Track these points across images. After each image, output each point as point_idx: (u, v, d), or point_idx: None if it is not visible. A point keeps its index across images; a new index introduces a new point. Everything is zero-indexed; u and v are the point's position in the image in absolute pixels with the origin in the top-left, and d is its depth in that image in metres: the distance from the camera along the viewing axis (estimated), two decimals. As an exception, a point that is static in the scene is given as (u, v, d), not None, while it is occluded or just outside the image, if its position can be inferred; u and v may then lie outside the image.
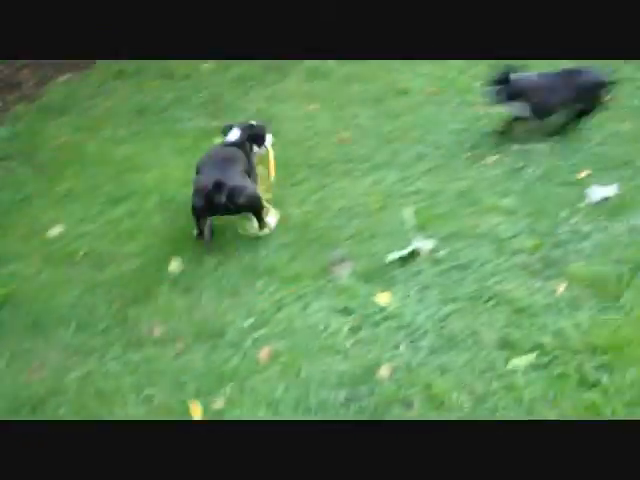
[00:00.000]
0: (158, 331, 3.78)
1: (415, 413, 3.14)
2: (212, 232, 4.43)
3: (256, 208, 4.36)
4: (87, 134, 5.81)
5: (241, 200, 4.22)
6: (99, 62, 7.05)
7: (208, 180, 4.18)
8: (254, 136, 4.71)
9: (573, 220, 4.39)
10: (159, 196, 4.90)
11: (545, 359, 3.34)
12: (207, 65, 6.92)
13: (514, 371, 3.29)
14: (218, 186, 4.11)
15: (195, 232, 4.43)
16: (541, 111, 5.31)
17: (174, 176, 5.07)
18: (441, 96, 6.10)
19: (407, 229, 4.36)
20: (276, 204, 4.64)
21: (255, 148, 4.72)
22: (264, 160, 4.74)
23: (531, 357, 3.36)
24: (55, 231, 4.70)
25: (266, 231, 4.43)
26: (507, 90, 5.24)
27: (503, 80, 5.22)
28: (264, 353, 3.56)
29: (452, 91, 6.16)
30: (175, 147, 5.49)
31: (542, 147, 5.18)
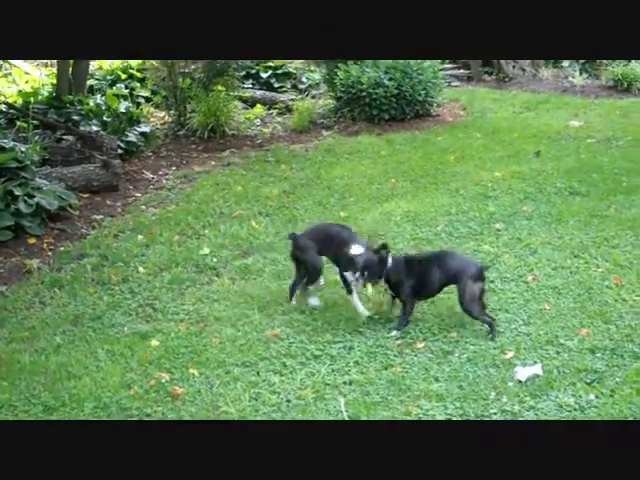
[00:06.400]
0: None
1: None
2: None
3: None
4: (22, 345, 5.81)
5: None
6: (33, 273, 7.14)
7: None
8: None
9: (502, 400, 4.51)
10: (94, 402, 4.87)
11: None
12: (142, 269, 7.09)
13: None
14: None
15: None
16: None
17: (109, 382, 5.07)
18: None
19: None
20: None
21: None
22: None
23: None
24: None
25: None
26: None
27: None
28: None
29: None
30: (109, 352, 5.52)
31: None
